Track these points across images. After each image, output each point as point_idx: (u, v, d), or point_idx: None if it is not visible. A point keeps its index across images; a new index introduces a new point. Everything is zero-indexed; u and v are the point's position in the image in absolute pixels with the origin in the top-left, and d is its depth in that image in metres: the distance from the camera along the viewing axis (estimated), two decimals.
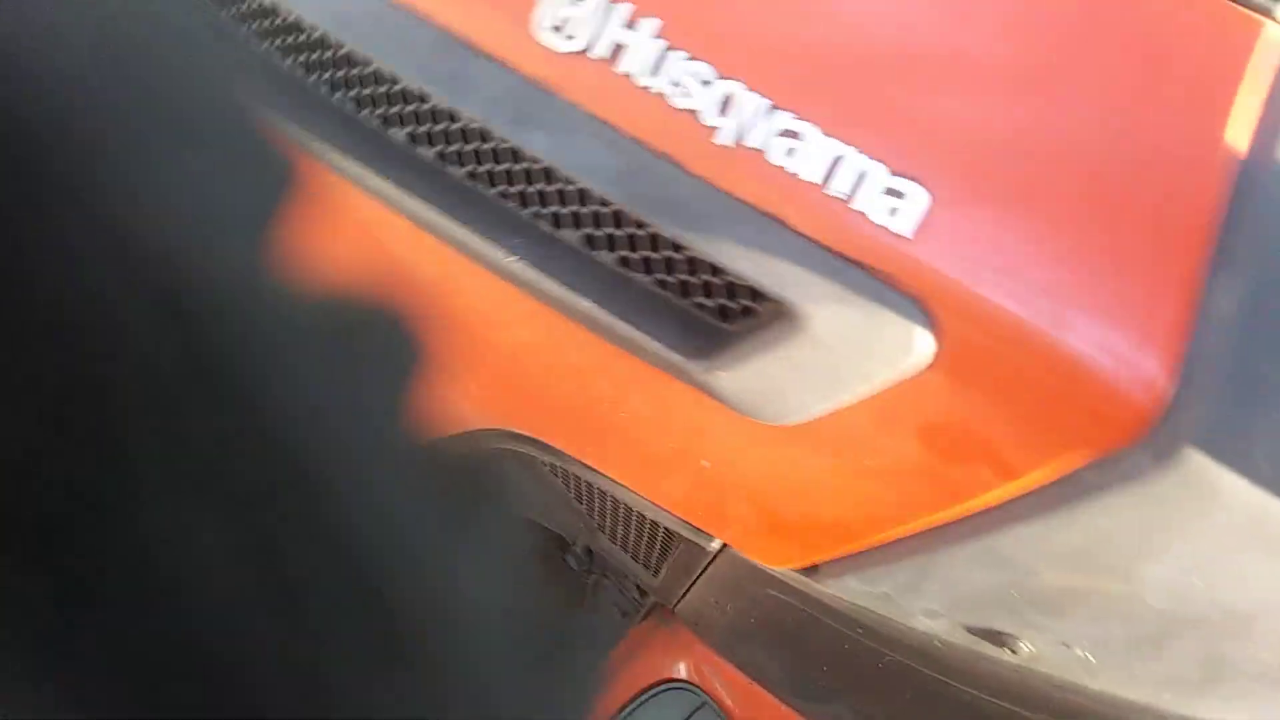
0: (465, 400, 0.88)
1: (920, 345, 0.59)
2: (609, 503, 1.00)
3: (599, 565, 1.31)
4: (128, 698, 0.17)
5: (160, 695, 0.17)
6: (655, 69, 0.62)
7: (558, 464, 0.92)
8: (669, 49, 0.62)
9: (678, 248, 0.63)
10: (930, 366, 0.59)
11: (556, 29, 0.62)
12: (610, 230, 0.66)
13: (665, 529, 0.95)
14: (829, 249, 0.58)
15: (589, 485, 0.98)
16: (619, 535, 1.07)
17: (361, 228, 0.83)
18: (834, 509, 0.74)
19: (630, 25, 0.62)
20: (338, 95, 0.74)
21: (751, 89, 0.60)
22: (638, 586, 1.28)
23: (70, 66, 0.16)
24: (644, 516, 0.96)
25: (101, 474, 0.16)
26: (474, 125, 0.67)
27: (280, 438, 0.18)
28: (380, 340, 0.20)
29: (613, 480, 0.87)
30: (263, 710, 0.18)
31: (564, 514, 1.07)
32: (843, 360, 0.61)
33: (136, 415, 0.16)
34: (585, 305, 0.66)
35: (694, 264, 0.64)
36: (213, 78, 0.19)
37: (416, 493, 0.20)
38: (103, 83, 0.17)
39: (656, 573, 1.07)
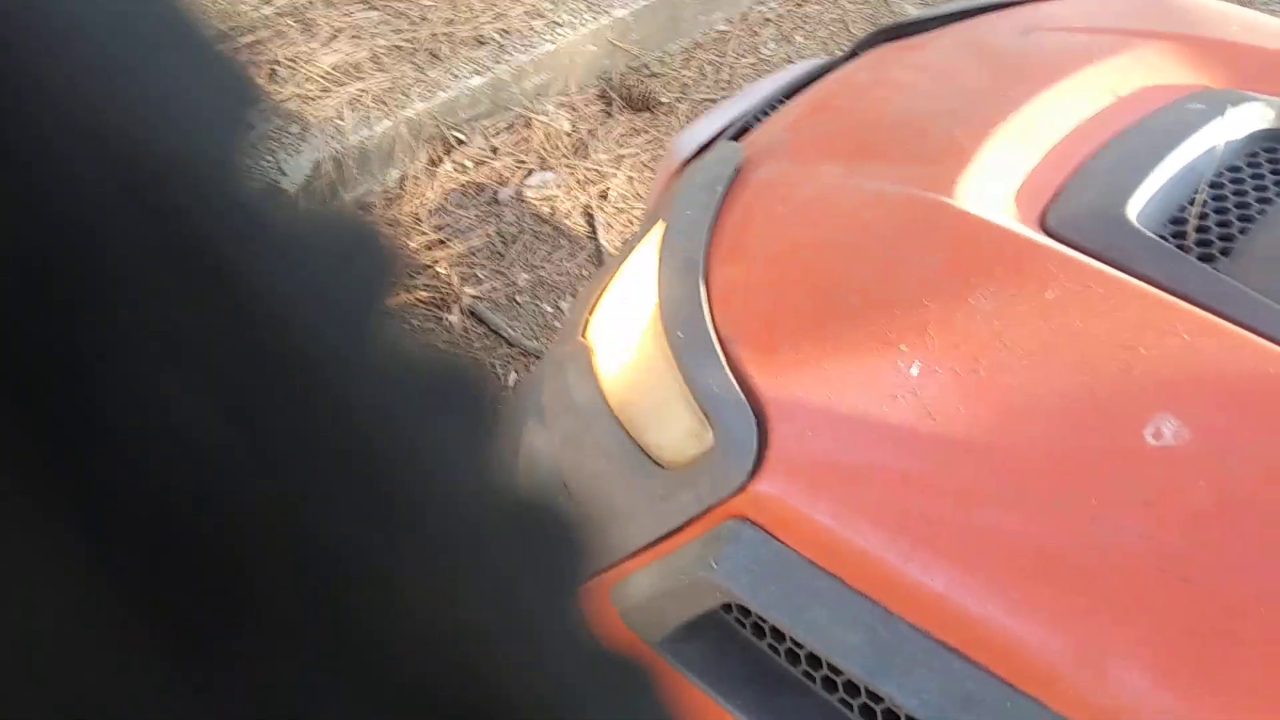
0: None
1: None
2: None
3: None
4: (124, 540, 0.17)
5: (158, 537, 0.17)
6: None
7: None
8: None
9: None
10: None
11: None
12: None
13: None
14: None
15: None
16: None
17: None
18: None
19: None
20: None
21: None
22: None
23: None
24: None
25: (85, 340, 0.16)
26: None
27: (261, 321, 0.18)
28: (363, 254, 0.21)
29: None
30: (261, 555, 0.18)
31: None
32: None
33: (117, 295, 0.17)
34: None
35: None
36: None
37: (397, 380, 0.21)
38: None
39: None
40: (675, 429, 0.97)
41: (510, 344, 2.46)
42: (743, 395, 0.91)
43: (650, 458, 0.99)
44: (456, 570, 0.21)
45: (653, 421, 1.00)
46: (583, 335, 1.16)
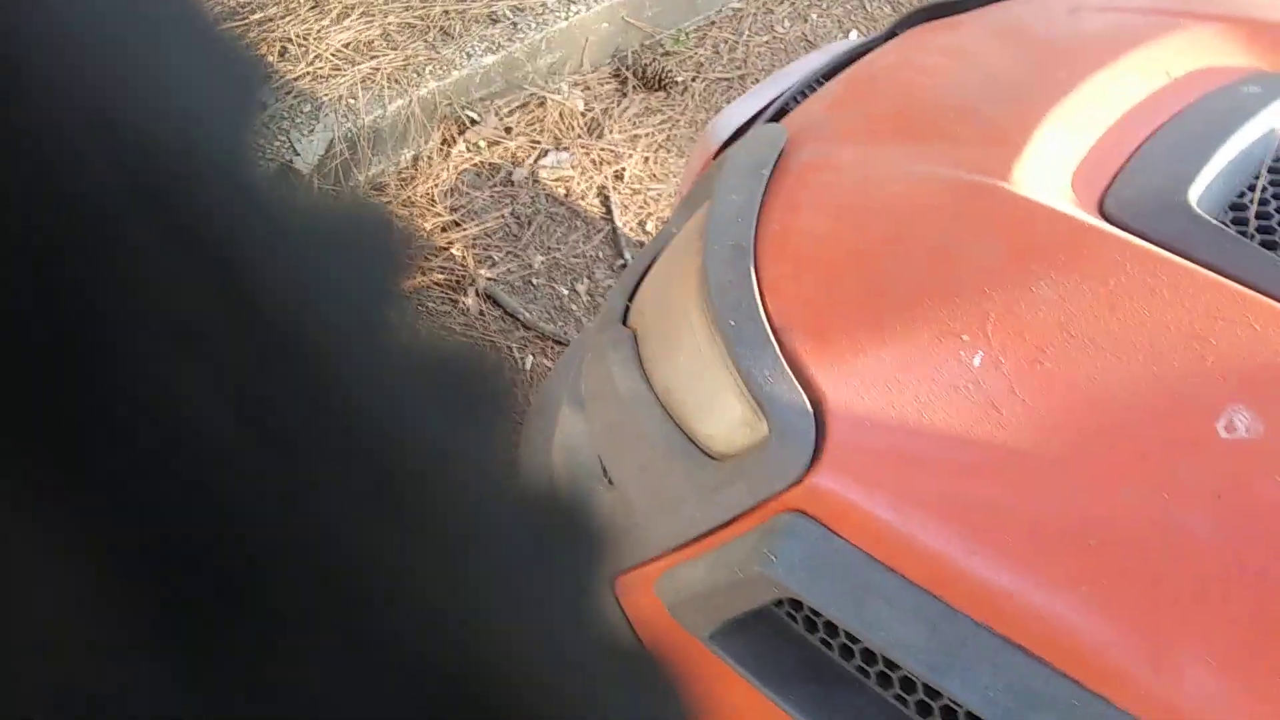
0: None
1: None
2: None
3: None
4: (128, 531, 0.17)
5: (163, 527, 0.17)
6: None
7: None
8: None
9: None
10: None
11: None
12: None
13: None
14: None
15: None
16: None
17: None
18: None
19: None
20: None
21: None
22: None
23: None
24: None
25: (90, 328, 0.16)
26: None
27: (269, 312, 0.18)
28: (374, 241, 0.21)
29: None
30: (268, 547, 0.18)
31: None
32: None
33: (123, 284, 0.17)
34: None
35: None
36: None
37: (409, 372, 0.20)
38: None
39: None
40: (726, 419, 0.95)
41: (526, 327, 2.43)
42: (799, 385, 0.89)
43: (699, 448, 0.97)
44: (468, 564, 0.21)
45: (701, 411, 0.98)
46: (624, 322, 1.13)
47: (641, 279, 1.18)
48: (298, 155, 2.45)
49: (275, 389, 0.18)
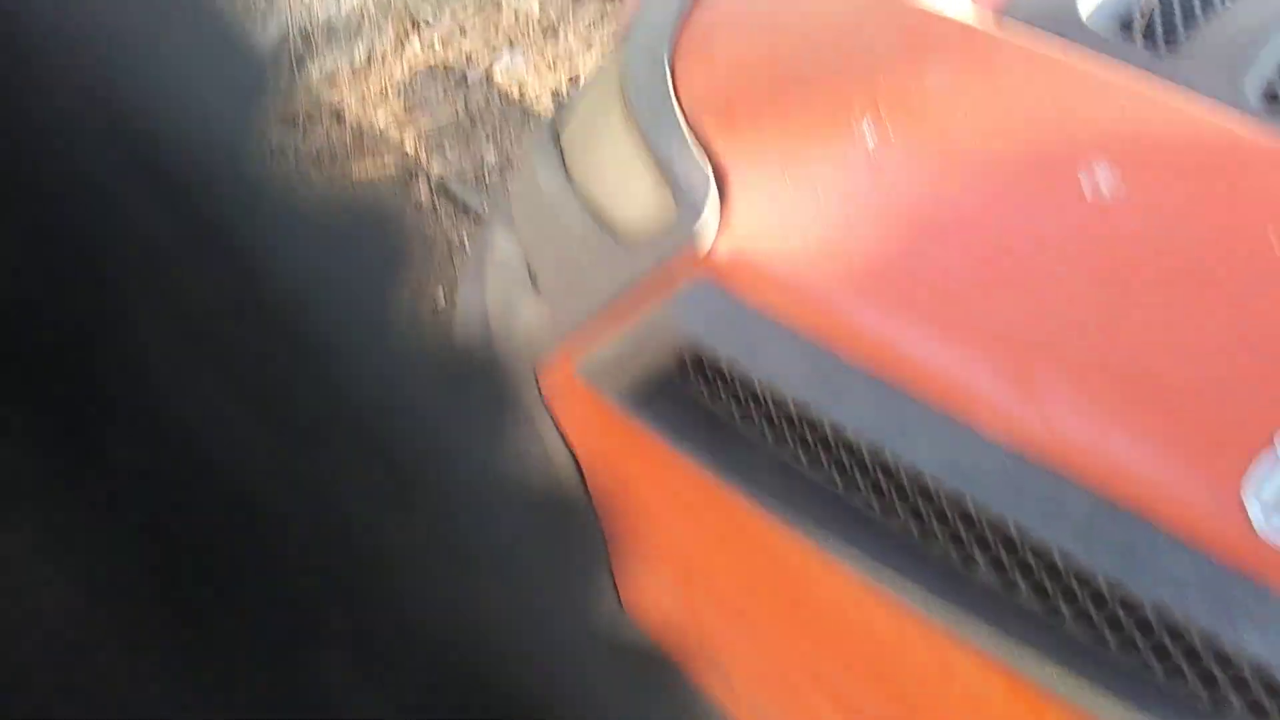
0: None
1: None
2: None
3: None
4: (137, 525, 0.17)
5: (174, 522, 0.17)
6: None
7: None
8: None
9: None
10: None
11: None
12: None
13: None
14: None
15: None
16: None
17: None
18: None
19: None
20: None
21: None
22: None
23: None
24: None
25: (99, 321, 0.16)
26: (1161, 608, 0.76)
27: (277, 304, 0.18)
28: (376, 234, 0.21)
29: None
30: (279, 541, 0.18)
31: None
32: None
33: (132, 275, 0.17)
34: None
35: None
36: None
37: (413, 363, 0.21)
38: None
39: None
40: (639, 202, 1.02)
41: (480, 220, 2.48)
42: (705, 162, 0.96)
43: (617, 236, 1.04)
44: (474, 559, 0.21)
45: (618, 199, 1.04)
46: (553, 141, 1.20)
47: (574, 104, 1.24)
48: None
49: (286, 382, 0.18)
